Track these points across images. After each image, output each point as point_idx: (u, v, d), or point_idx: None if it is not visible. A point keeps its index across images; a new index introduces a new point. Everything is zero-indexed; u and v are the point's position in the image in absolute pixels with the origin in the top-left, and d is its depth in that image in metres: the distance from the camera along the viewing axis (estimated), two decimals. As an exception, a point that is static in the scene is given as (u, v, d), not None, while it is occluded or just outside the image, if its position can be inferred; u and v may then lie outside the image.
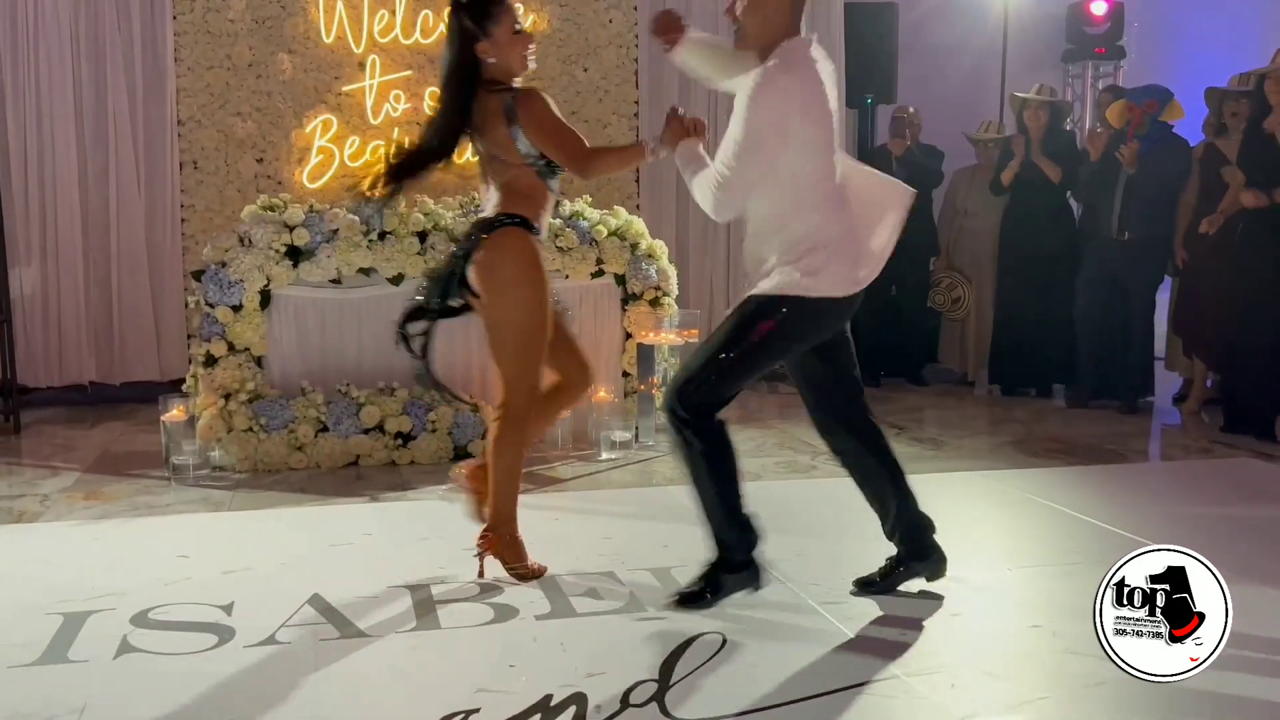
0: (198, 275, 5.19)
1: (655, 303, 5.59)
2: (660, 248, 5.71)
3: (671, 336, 5.52)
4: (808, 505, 4.40)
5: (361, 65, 6.90)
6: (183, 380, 5.46)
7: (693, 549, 3.81)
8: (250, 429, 4.98)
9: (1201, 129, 6.70)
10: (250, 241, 5.13)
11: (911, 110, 7.41)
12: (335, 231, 5.17)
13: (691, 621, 3.15)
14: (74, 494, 4.68)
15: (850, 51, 7.49)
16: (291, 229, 5.15)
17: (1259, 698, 2.71)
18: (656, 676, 2.79)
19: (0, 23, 6.44)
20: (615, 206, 5.87)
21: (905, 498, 3.35)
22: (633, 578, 3.53)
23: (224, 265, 5.09)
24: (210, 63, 6.72)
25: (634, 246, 5.60)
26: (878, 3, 7.79)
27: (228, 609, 3.28)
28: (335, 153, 6.87)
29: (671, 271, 5.72)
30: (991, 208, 7.02)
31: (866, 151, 7.55)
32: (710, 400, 3.11)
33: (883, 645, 3.00)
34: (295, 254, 5.15)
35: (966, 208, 7.30)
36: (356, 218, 5.18)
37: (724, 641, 3.01)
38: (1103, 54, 8.31)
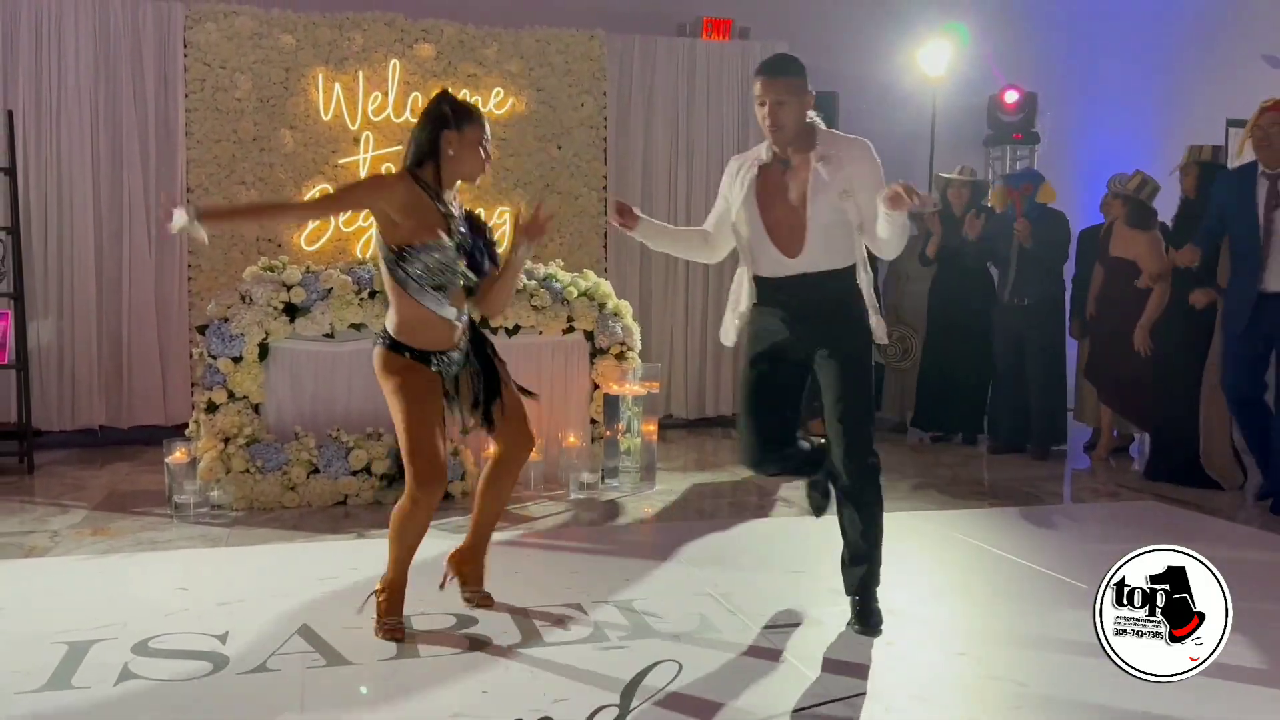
0: (202, 329, 5.14)
1: (621, 356, 5.59)
2: (625, 307, 5.72)
3: (635, 387, 5.52)
4: (756, 542, 4.39)
5: (356, 140, 6.91)
6: (186, 425, 5.38)
7: (653, 582, 3.79)
8: (247, 470, 4.92)
9: (1100, 209, 6.85)
10: (251, 299, 5.09)
11: None
12: (329, 290, 5.15)
13: (651, 651, 3.12)
14: (82, 530, 4.59)
15: (795, 134, 7.58)
16: (289, 288, 5.12)
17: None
18: (618, 702, 2.76)
19: (26, 97, 6.41)
20: (585, 270, 5.88)
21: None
22: (598, 610, 3.50)
23: (226, 320, 5.06)
24: (218, 136, 6.70)
25: (602, 306, 5.61)
26: (819, 91, 7.90)
27: (223, 638, 3.21)
28: (330, 219, 6.86)
29: (635, 329, 5.73)
30: (925, 273, 7.11)
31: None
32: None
33: (825, 672, 2.98)
34: (292, 310, 5.12)
35: (908, 273, 7.39)
36: (349, 277, 5.17)
37: (680, 669, 2.98)
38: (1019, 139, 8.48)
